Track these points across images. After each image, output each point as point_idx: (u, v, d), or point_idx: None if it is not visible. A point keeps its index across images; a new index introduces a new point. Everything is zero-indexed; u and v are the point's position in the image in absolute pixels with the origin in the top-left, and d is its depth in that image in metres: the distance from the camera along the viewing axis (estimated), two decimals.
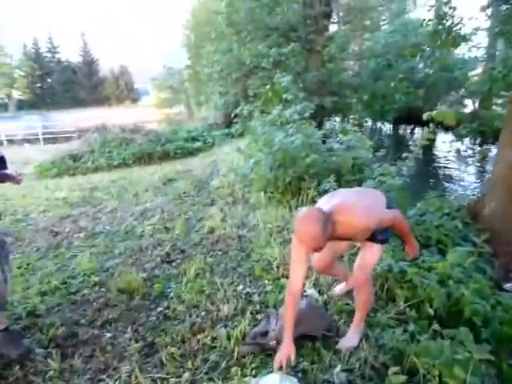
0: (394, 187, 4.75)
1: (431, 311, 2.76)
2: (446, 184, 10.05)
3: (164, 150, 12.01)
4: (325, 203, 2.31)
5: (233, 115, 7.84)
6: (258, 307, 2.98)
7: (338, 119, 14.87)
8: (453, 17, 5.69)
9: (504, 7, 11.75)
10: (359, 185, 5.09)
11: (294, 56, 12.28)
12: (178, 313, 3.05)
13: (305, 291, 3.09)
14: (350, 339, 2.55)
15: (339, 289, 3.06)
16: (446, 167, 12.03)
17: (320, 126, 6.94)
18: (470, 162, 12.50)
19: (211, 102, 17.54)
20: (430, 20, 6.52)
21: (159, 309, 3.15)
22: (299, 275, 2.31)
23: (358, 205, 2.29)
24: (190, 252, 4.19)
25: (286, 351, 2.26)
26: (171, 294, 3.32)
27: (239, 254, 4.02)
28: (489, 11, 9.30)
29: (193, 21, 25.08)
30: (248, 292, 3.24)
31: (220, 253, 4.12)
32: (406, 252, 2.60)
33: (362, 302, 2.55)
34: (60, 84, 52.48)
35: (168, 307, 3.14)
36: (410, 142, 16.82)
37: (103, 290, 3.50)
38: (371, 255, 2.50)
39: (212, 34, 15.13)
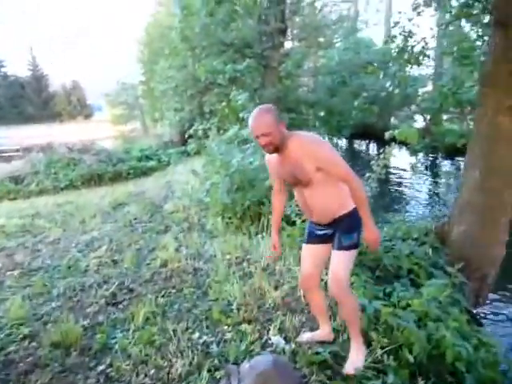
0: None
1: (411, 358, 2.46)
2: (406, 202, 10.07)
3: (115, 171, 11.37)
4: None
5: (187, 134, 7.45)
6: (216, 361, 2.57)
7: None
8: (415, 34, 5.64)
9: (451, 28, 12.13)
10: None
11: (249, 72, 12.07)
12: (123, 372, 2.59)
13: (269, 339, 2.73)
14: (354, 360, 2.39)
15: (308, 336, 2.71)
16: (402, 184, 12.12)
17: None
18: (426, 178, 12.69)
19: (166, 118, 17.04)
20: (394, 37, 6.46)
21: (100, 367, 2.67)
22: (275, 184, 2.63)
23: (314, 137, 2.26)
24: (139, 291, 3.73)
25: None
26: (116, 347, 2.85)
27: (195, 292, 3.60)
28: (435, 31, 9.54)
29: (146, 36, 24.53)
30: (205, 341, 2.83)
31: (173, 291, 3.68)
32: (365, 239, 2.30)
33: (346, 314, 2.40)
34: (7, 99, 49.91)
35: (111, 364, 2.67)
36: (371, 160, 16.99)
37: (34, 344, 2.98)
38: (339, 264, 2.32)
39: (166, 50, 14.73)
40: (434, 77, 18.59)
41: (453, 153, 13.65)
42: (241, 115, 5.95)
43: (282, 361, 2.32)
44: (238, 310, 3.15)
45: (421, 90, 18.43)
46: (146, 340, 2.86)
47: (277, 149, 2.26)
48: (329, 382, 2.32)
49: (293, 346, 2.62)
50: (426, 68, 19.26)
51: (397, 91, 16.48)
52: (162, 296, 3.58)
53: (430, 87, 18.84)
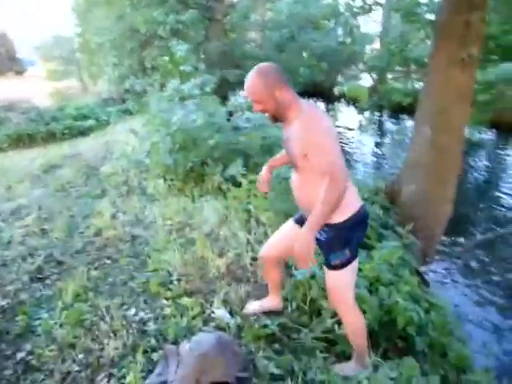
0: None
1: None
2: (355, 161, 10.08)
3: (49, 131, 10.45)
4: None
5: (124, 90, 6.85)
6: (153, 341, 2.31)
7: (244, 94, 14.31)
8: None
9: None
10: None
11: (193, 24, 11.32)
12: (46, 358, 2.28)
13: (213, 312, 2.50)
14: (350, 368, 2.11)
15: (255, 306, 2.51)
16: (350, 142, 12.15)
17: (224, 100, 6.28)
18: (374, 136, 12.78)
19: (105, 74, 15.89)
20: None
21: (20, 355, 2.34)
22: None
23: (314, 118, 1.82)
24: (69, 263, 3.35)
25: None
26: (39, 330, 2.52)
27: (132, 263, 3.29)
28: None
29: None
30: (142, 318, 2.55)
31: (108, 262, 3.35)
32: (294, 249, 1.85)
33: (349, 333, 2.10)
34: None
35: (32, 352, 2.34)
36: None
37: None
38: (336, 284, 1.99)
39: None
40: (381, 35, 18.53)
41: (398, 111, 13.80)
42: (182, 68, 5.47)
43: (225, 338, 2.10)
44: (179, 281, 2.89)
45: (368, 48, 18.37)
46: (74, 320, 2.54)
47: (276, 118, 1.94)
48: (277, 357, 2.15)
49: (238, 319, 2.41)
50: (374, 24, 19.19)
51: (344, 47, 16.24)
52: (95, 268, 3.24)
53: (377, 45, 18.81)
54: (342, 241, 1.93)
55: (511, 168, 9.66)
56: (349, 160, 10.37)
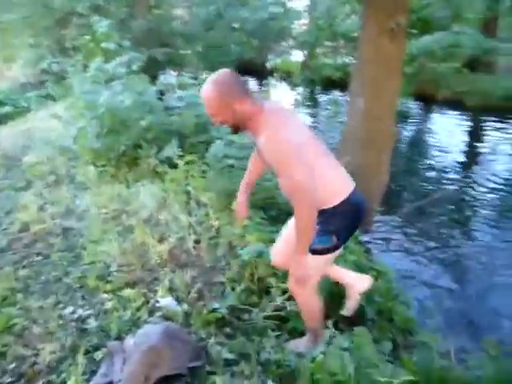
0: (246, 147, 4.23)
1: None
2: None
3: None
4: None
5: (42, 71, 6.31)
6: (95, 340, 2.15)
7: (174, 73, 13.80)
8: None
9: None
10: (206, 147, 4.44)
11: (114, 0, 10.65)
12: None
13: (158, 302, 2.37)
14: (304, 344, 2.07)
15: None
16: None
17: (154, 81, 5.98)
18: (308, 110, 12.91)
19: (20, 57, 14.62)
20: None
21: None
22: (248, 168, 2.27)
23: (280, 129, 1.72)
24: None
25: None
26: None
27: (65, 257, 3.04)
28: None
29: None
30: (80, 316, 2.37)
31: (38, 258, 3.08)
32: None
33: (304, 314, 2.10)
34: None
35: None
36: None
37: None
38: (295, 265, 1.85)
39: None
40: (309, 9, 18.60)
41: (330, 85, 14.03)
42: (105, 46, 5.11)
43: (173, 328, 1.99)
44: (119, 272, 2.71)
45: (297, 23, 18.40)
46: (2, 326, 2.30)
47: (237, 129, 1.84)
48: (229, 341, 2.08)
49: (185, 306, 2.30)
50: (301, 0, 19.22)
51: (274, 23, 16.12)
52: (24, 267, 2.97)
53: (305, 21, 18.89)
54: (329, 226, 1.85)
55: (436, 138, 10.20)
56: None
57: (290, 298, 2.33)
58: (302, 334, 2.20)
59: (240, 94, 1.74)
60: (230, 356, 1.94)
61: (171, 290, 2.48)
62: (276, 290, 2.38)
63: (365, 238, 4.34)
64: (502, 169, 7.92)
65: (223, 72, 1.78)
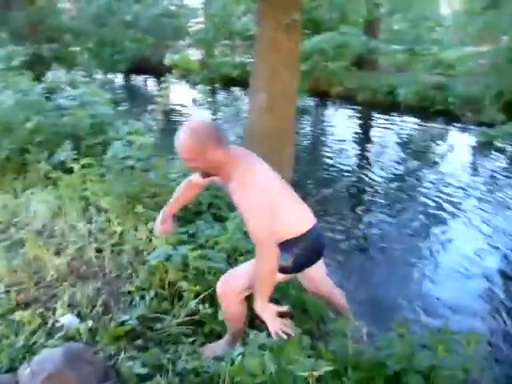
0: (147, 146, 4.04)
1: None
2: None
3: None
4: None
5: None
6: None
7: (63, 71, 12.82)
8: None
9: None
10: (104, 149, 4.17)
11: None
12: None
13: (57, 321, 2.13)
14: (221, 347, 2.06)
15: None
16: (186, 115, 12.00)
17: (39, 78, 5.45)
18: (209, 109, 12.84)
19: None
20: None
21: None
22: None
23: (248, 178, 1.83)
24: None
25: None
26: None
27: None
28: None
29: None
30: None
31: None
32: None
33: (225, 319, 2.09)
34: None
35: None
36: (151, 94, 16.19)
37: None
38: (243, 272, 2.01)
39: None
40: (204, 7, 18.53)
41: (229, 83, 14.12)
42: None
43: (76, 349, 1.79)
44: (8, 292, 2.39)
45: (193, 21, 18.23)
46: None
47: (208, 175, 1.95)
48: (142, 354, 1.93)
49: (89, 322, 2.10)
50: None
51: (169, 20, 15.76)
52: None
53: (201, 19, 18.77)
54: (292, 248, 1.95)
55: (332, 132, 10.79)
56: None
57: (204, 301, 2.25)
58: (219, 336, 2.14)
59: (213, 144, 1.82)
60: (142, 371, 1.80)
61: (72, 306, 2.24)
62: (188, 294, 2.27)
63: None
64: (390, 158, 8.63)
65: (199, 121, 2.00)
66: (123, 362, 1.85)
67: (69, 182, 3.59)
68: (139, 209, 2.91)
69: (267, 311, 1.86)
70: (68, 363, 1.65)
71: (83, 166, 3.64)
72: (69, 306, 2.24)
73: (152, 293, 2.34)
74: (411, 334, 1.77)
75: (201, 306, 2.21)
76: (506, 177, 7.49)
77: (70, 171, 3.71)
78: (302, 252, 1.98)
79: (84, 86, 5.40)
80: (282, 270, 1.93)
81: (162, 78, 4.55)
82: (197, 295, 2.27)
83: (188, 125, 1.87)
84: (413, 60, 12.84)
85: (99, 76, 17.66)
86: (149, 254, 2.57)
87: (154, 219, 2.80)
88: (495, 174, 7.56)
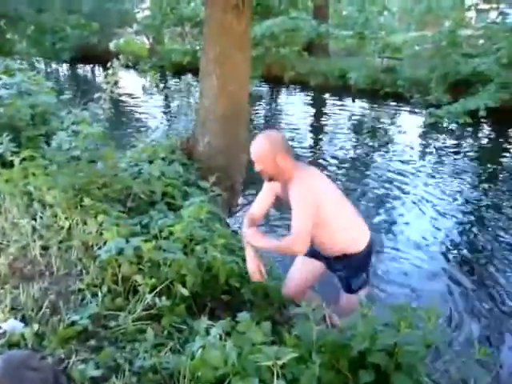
0: (93, 137, 3.83)
1: (185, 291, 2.16)
2: (146, 122, 9.67)
3: None
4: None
5: None
6: None
7: None
8: None
9: None
10: (47, 140, 3.92)
11: None
12: None
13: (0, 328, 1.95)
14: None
15: None
16: (137, 105, 11.62)
17: None
18: (160, 97, 12.48)
19: None
20: None
21: None
22: (257, 203, 2.49)
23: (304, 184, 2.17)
24: None
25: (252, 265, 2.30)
26: None
27: None
28: None
29: None
30: None
31: None
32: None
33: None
34: None
35: None
36: (97, 82, 15.51)
37: None
38: (346, 303, 2.45)
39: None
40: None
41: (180, 70, 13.79)
42: None
43: (19, 356, 1.64)
44: None
45: (140, 7, 17.62)
46: None
47: (272, 179, 2.27)
48: (95, 356, 1.81)
49: (35, 326, 1.94)
50: None
51: (114, 5, 15.09)
52: None
53: (149, 5, 18.14)
54: (359, 270, 2.35)
55: (286, 117, 10.79)
56: (141, 121, 9.91)
57: (161, 294, 2.14)
58: (178, 329, 2.04)
59: (283, 152, 2.18)
60: (96, 373, 1.68)
61: (15, 310, 2.07)
62: (144, 288, 2.15)
63: (231, 219, 4.33)
64: (342, 140, 8.75)
65: (275, 132, 2.35)
66: (75, 366, 1.72)
67: (8, 177, 3.33)
68: (87, 201, 2.73)
69: (260, 237, 2.30)
70: (8, 372, 1.50)
71: (24, 159, 3.39)
72: (12, 309, 2.06)
73: (104, 289, 2.20)
74: (375, 313, 1.75)
75: (157, 299, 2.10)
76: (451, 155, 7.80)
77: (10, 165, 3.44)
78: (367, 262, 2.39)
79: (22, 74, 5.04)
80: (364, 284, 2.39)
81: (109, 64, 4.30)
82: (153, 288, 2.16)
83: (266, 134, 2.23)
84: (362, 44, 13.05)
85: (41, 66, 16.77)
86: (99, 248, 2.42)
87: (104, 211, 2.68)
88: (441, 153, 7.85)
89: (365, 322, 1.73)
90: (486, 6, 13.96)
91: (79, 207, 2.80)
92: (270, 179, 2.26)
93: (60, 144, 3.62)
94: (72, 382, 1.66)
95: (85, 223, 2.72)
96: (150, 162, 3.51)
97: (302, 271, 2.54)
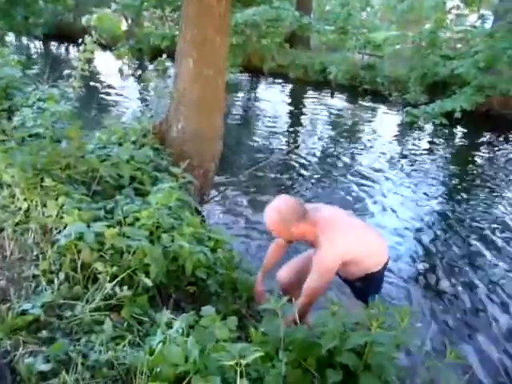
0: (60, 115, 3.64)
1: (148, 281, 2.04)
2: (119, 106, 9.37)
3: None
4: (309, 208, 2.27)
5: None
6: None
7: None
8: None
9: None
10: (10, 115, 3.71)
11: None
12: None
13: None
14: None
15: None
16: (112, 87, 11.28)
17: None
18: (136, 82, 12.14)
19: None
20: None
21: None
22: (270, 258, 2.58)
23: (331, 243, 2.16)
24: None
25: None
26: None
27: None
28: None
29: None
30: None
31: None
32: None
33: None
34: None
35: None
36: (68, 59, 14.95)
37: None
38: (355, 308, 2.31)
39: None
40: None
41: (158, 55, 13.41)
42: None
43: None
44: None
45: None
46: None
47: (292, 242, 2.36)
48: (46, 348, 1.67)
49: None
50: None
51: None
52: None
53: None
54: (377, 287, 2.46)
55: (264, 108, 10.67)
56: (111, 109, 9.59)
57: (122, 283, 2.02)
58: (139, 321, 1.92)
59: (296, 221, 2.13)
60: (45, 367, 1.54)
61: None
62: (105, 276, 2.02)
63: (203, 207, 4.21)
64: (319, 136, 8.71)
65: (284, 200, 2.20)
66: (22, 359, 1.59)
67: None
68: (48, 182, 2.56)
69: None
70: None
71: None
72: None
73: (62, 276, 2.06)
74: (345, 312, 1.68)
75: (117, 289, 1.97)
76: (425, 154, 7.88)
77: None
78: (383, 276, 2.47)
79: None
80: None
81: (80, 40, 4.09)
82: (114, 277, 2.03)
83: (275, 206, 2.16)
84: (343, 39, 13.01)
85: (12, 40, 16.03)
86: (59, 232, 2.27)
87: (67, 193, 2.53)
88: (415, 153, 7.92)
89: (335, 319, 1.66)
90: (466, 11, 14.14)
91: (39, 188, 2.62)
92: (290, 242, 2.34)
93: (23, 121, 3.42)
94: (17, 376, 1.53)
95: (45, 205, 2.55)
96: (120, 145, 3.34)
97: (303, 259, 2.57)
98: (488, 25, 10.91)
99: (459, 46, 12.20)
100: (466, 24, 12.42)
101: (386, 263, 2.41)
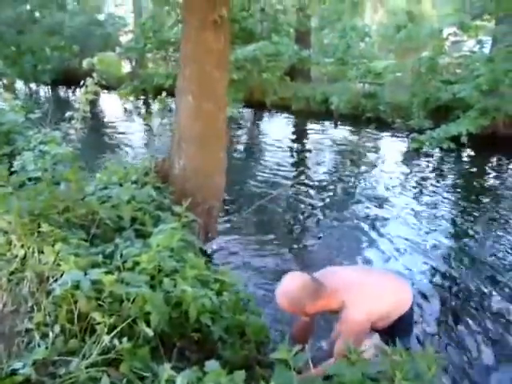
0: (61, 157, 3.60)
1: (149, 331, 1.90)
2: (123, 145, 9.41)
3: None
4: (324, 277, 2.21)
5: None
6: None
7: None
8: None
9: None
10: (11, 160, 3.66)
11: None
12: None
13: None
14: None
15: None
16: (116, 127, 11.39)
17: None
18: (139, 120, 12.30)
19: None
20: None
21: None
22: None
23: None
24: None
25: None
26: None
27: None
28: None
29: None
30: None
31: None
32: None
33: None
34: None
35: None
36: (74, 103, 15.26)
37: None
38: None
39: None
40: (134, 17, 18.01)
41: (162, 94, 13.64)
42: None
43: None
44: None
45: (123, 31, 17.62)
46: None
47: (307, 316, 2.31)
48: None
49: None
50: (125, 7, 18.52)
51: (96, 29, 15.05)
52: None
53: (132, 28, 18.16)
54: (410, 324, 2.44)
55: (267, 141, 10.68)
56: (115, 149, 9.64)
57: (122, 335, 1.87)
58: (139, 376, 1.77)
59: (309, 300, 2.04)
60: None
61: None
62: (102, 327, 1.88)
63: (209, 246, 4.08)
64: (324, 166, 8.63)
65: (292, 281, 2.08)
66: None
67: None
68: (45, 227, 2.46)
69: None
70: None
71: None
72: None
73: (57, 329, 1.92)
74: (365, 359, 1.52)
75: (116, 341, 1.83)
76: (433, 180, 7.73)
77: None
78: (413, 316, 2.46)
79: None
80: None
81: (82, 83, 4.10)
82: (113, 328, 1.89)
83: (282, 290, 2.06)
84: (343, 70, 13.14)
85: (21, 87, 16.44)
86: (56, 281, 2.15)
87: (64, 239, 2.43)
88: (423, 180, 7.77)
89: (353, 369, 1.51)
90: (464, 37, 14.31)
91: (36, 234, 2.53)
92: (313, 315, 2.30)
93: (24, 164, 3.38)
94: None
95: (42, 252, 2.44)
96: (121, 185, 3.26)
97: None
98: (486, 49, 10.98)
99: (459, 71, 12.25)
100: (463, 50, 12.52)
101: (412, 304, 2.35)
